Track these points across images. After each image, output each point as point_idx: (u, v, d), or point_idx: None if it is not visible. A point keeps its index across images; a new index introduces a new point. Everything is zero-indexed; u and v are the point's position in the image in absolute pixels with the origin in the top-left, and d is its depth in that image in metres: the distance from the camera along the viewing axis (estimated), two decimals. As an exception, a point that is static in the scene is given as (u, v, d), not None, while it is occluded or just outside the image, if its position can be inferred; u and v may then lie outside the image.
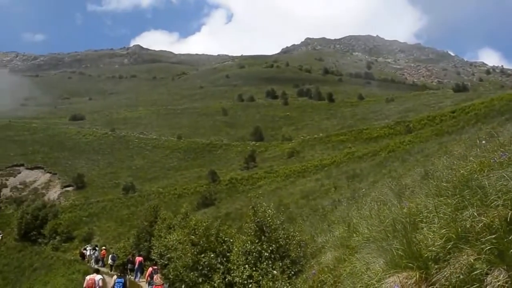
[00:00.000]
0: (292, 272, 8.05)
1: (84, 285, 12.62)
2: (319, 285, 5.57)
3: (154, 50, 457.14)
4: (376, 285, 4.08)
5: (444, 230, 3.80)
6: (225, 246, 11.96)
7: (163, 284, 13.85)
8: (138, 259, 25.04)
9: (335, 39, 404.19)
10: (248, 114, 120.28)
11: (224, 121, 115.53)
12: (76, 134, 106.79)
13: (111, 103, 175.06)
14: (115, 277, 14.51)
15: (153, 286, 13.59)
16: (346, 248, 7.13)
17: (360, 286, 4.49)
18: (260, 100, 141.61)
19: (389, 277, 3.98)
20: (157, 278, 14.66)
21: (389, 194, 7.96)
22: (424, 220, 4.50)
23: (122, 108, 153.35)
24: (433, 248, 3.79)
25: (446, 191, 4.60)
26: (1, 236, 52.82)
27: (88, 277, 13.84)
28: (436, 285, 3.52)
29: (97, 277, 13.56)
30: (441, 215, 4.09)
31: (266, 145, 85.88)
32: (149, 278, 17.44)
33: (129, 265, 26.59)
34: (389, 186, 10.28)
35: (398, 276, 3.84)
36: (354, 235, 7.12)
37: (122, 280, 14.35)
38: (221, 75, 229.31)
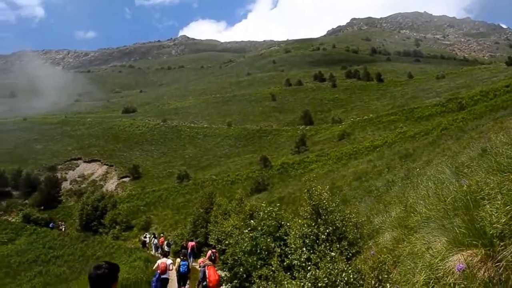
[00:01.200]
0: (350, 254, 8.08)
1: (154, 267, 13.34)
2: (379, 265, 5.59)
3: (201, 40, 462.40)
4: (439, 264, 4.08)
5: (509, 206, 3.74)
6: (282, 230, 12.11)
7: (214, 265, 14.31)
8: (190, 244, 26.08)
9: (381, 18, 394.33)
10: (296, 99, 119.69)
11: (273, 107, 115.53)
12: (129, 126, 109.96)
13: (161, 94, 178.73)
14: (178, 260, 15.54)
15: (206, 267, 14.22)
16: (404, 228, 7.09)
17: (422, 266, 4.49)
18: (308, 84, 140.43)
19: (452, 255, 3.97)
20: (204, 260, 15.31)
21: (446, 173, 7.81)
22: (486, 197, 4.42)
23: (172, 99, 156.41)
24: (498, 226, 3.74)
25: (508, 167, 4.50)
26: (64, 227, 55.56)
27: (159, 261, 14.94)
28: (503, 262, 3.49)
29: (168, 261, 14.74)
30: (505, 192, 4.02)
31: (316, 128, 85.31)
32: (207, 261, 17.95)
33: (183, 250, 27.57)
34: (445, 164, 10.07)
35: (462, 254, 3.82)
36: (412, 215, 7.06)
37: (186, 263, 15.46)
38: (267, 61, 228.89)
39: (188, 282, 16.25)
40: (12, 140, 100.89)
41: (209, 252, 17.27)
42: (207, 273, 12.66)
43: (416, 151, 28.75)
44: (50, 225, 57.00)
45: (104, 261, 3.10)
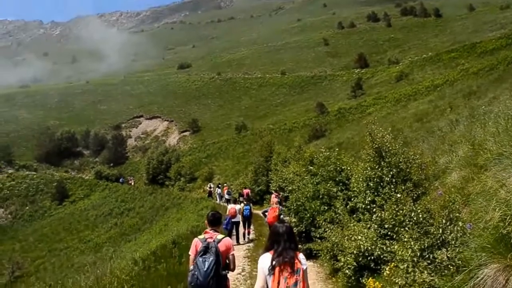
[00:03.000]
0: (415, 195, 7.97)
1: (227, 213, 14.94)
2: (449, 204, 5.50)
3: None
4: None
5: None
6: (343, 174, 12.10)
7: (278, 207, 14.71)
8: (245, 191, 27.07)
9: None
10: (350, 42, 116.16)
11: (326, 52, 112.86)
12: (186, 82, 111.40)
13: (213, 48, 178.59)
14: (242, 205, 16.76)
15: (270, 208, 15.00)
16: (473, 166, 6.90)
17: (495, 203, 4.37)
18: (361, 25, 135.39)
19: (528, 190, 3.84)
20: (273, 202, 15.95)
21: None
22: None
23: (224, 52, 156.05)
24: None
25: None
26: (133, 182, 58.26)
27: (229, 207, 16.61)
28: None
29: (237, 206, 16.22)
30: None
31: (372, 71, 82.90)
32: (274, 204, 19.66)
33: (241, 197, 28.72)
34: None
35: (539, 188, 3.68)
36: (481, 153, 6.84)
37: (248, 207, 16.67)
38: (318, 5, 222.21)
39: (252, 224, 18.00)
40: (78, 103, 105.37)
41: (273, 196, 17.98)
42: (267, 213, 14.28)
43: (480, 88, 27.42)
44: (120, 180, 60.17)
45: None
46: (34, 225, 46.54)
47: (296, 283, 4.16)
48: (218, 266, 5.06)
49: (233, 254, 5.40)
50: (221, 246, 5.25)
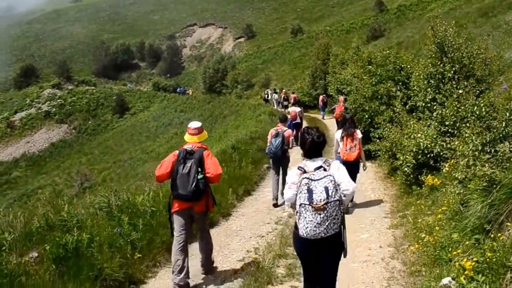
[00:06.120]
0: (478, 91, 7.66)
1: (289, 116, 14.89)
2: (514, 98, 5.22)
3: None
4: None
5: None
6: (403, 73, 11.73)
7: (344, 104, 14.75)
8: (293, 96, 28.77)
9: None
10: None
11: None
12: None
13: None
14: (298, 108, 17.50)
15: (336, 106, 15.77)
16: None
17: None
18: None
19: None
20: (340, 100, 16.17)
21: None
22: None
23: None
24: None
25: None
26: (191, 91, 59.16)
27: (291, 110, 17.92)
28: None
29: (297, 109, 17.09)
30: None
31: (437, -39, 76.46)
32: (321, 104, 25.92)
33: (285, 102, 30.55)
34: None
35: None
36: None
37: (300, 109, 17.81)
38: None
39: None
40: (130, 14, 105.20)
41: (321, 96, 18.98)
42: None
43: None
44: (178, 90, 60.75)
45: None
46: (98, 139, 48.50)
47: (355, 145, 7.83)
48: (283, 144, 8.72)
49: (292, 139, 9.45)
50: (286, 133, 8.92)
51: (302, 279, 4.13)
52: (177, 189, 4.95)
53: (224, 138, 23.11)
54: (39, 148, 47.59)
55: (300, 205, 3.47)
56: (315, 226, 3.41)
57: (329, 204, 3.40)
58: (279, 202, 8.66)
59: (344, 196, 3.56)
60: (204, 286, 5.27)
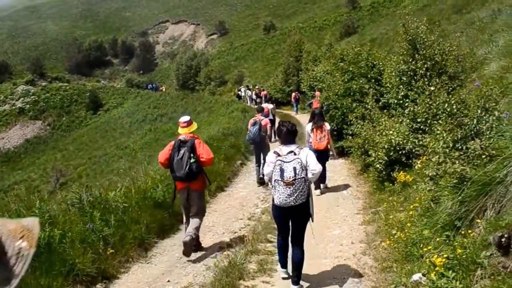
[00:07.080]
0: (451, 88, 7.72)
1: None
2: (485, 94, 5.27)
3: None
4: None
5: None
6: (375, 70, 11.79)
7: (318, 100, 14.79)
8: (263, 93, 30.01)
9: None
10: None
11: None
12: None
13: None
14: (270, 105, 18.17)
15: (314, 100, 15.73)
16: (514, 55, 6.55)
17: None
18: None
19: None
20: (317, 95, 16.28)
21: None
22: None
23: None
24: None
25: None
26: (164, 88, 58.71)
27: (264, 106, 16.96)
28: None
29: (270, 106, 17.45)
30: None
31: (408, -41, 77.52)
32: (294, 100, 26.16)
33: (258, 99, 31.13)
34: None
35: None
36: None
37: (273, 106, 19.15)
38: None
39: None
40: (102, 11, 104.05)
41: (293, 94, 19.20)
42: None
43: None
44: (150, 86, 60.09)
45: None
46: (72, 135, 48.15)
47: (324, 136, 8.65)
48: (260, 130, 9.85)
49: (270, 126, 11.34)
50: (263, 122, 10.04)
51: (273, 274, 5.14)
52: (174, 172, 5.87)
53: (197, 134, 22.94)
54: (14, 144, 47.41)
55: (275, 180, 4.48)
56: (286, 197, 4.42)
57: (296, 180, 4.39)
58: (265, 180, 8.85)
59: (312, 174, 4.51)
60: (176, 282, 5.28)
